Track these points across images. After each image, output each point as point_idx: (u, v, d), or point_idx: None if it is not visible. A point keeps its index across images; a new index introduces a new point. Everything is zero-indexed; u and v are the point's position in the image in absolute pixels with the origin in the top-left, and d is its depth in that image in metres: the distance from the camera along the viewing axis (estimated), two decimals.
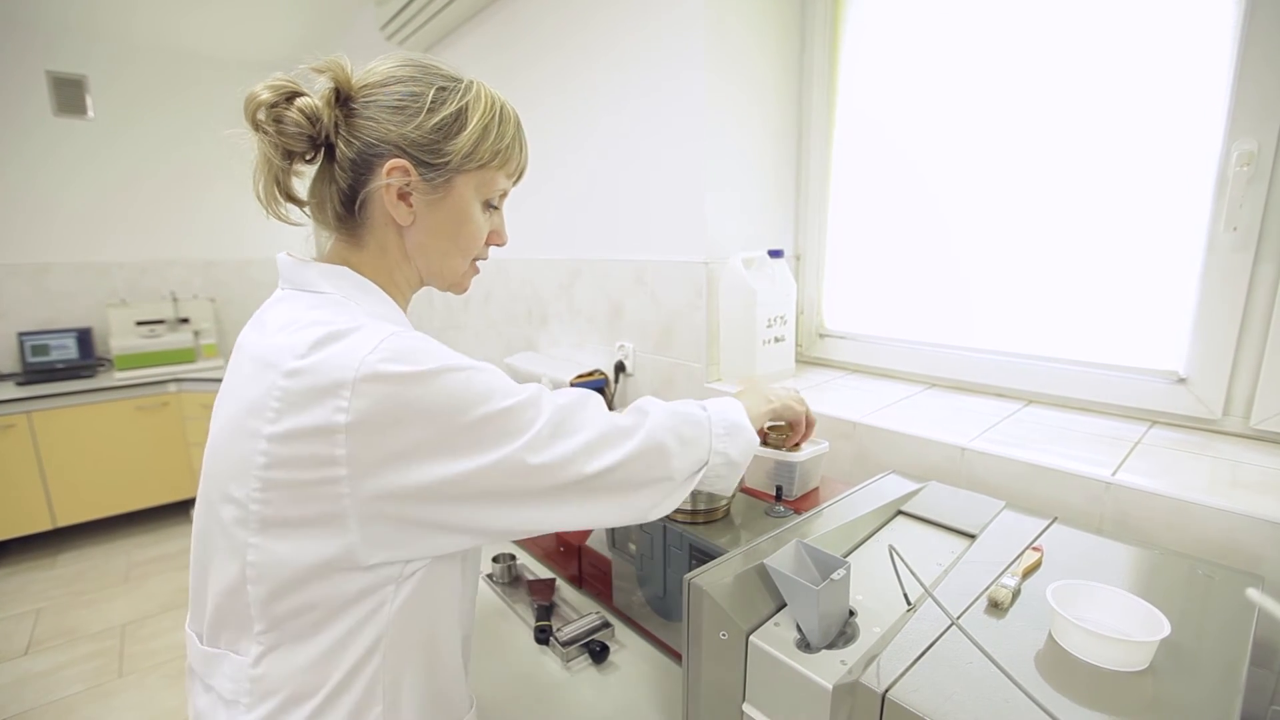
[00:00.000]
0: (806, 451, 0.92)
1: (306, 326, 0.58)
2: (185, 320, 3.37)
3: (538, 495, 0.60)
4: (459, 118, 0.65)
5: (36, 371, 3.03)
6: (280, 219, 0.67)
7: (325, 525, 0.55)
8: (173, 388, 3.10)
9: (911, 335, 1.35)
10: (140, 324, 3.23)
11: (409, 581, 0.61)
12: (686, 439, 0.69)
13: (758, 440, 0.76)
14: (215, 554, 0.61)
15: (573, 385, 1.56)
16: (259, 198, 0.64)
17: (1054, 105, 1.08)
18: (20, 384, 2.86)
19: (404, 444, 0.54)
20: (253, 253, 3.66)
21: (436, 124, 0.64)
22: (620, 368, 1.61)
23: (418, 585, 0.62)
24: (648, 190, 1.48)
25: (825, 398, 1.25)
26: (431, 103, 0.64)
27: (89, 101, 3.15)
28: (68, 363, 3.13)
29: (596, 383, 1.62)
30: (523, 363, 1.81)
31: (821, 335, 1.51)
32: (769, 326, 1.33)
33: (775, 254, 1.37)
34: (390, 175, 0.64)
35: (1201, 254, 0.95)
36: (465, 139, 0.65)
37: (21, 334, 3.06)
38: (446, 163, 0.65)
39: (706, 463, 0.70)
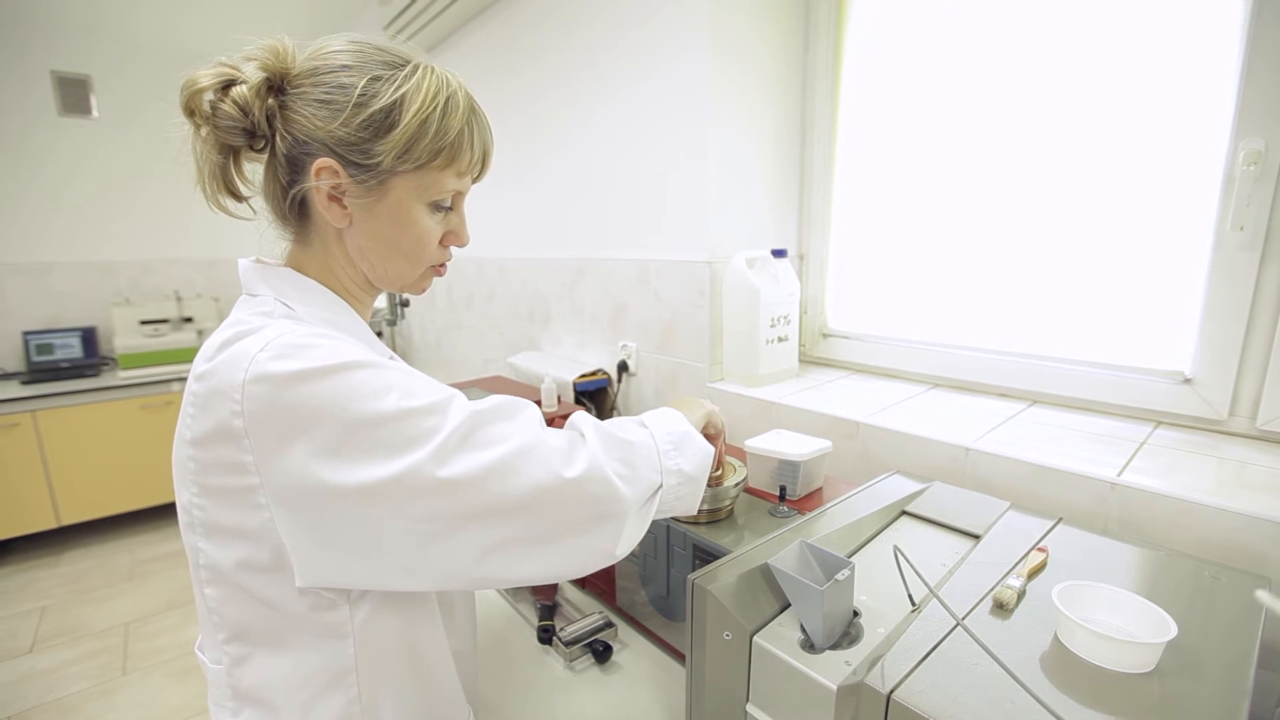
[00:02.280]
0: (810, 451, 0.92)
1: (224, 328, 0.56)
2: (189, 319, 3.38)
3: (451, 523, 0.52)
4: (390, 114, 0.58)
5: (41, 370, 3.04)
6: (225, 212, 0.62)
7: (258, 533, 0.53)
8: (176, 387, 3.11)
9: (915, 335, 1.35)
10: (144, 323, 3.24)
11: (366, 600, 0.58)
12: (631, 462, 0.60)
13: (711, 447, 0.69)
14: (190, 558, 0.60)
15: (575, 384, 1.57)
16: (204, 192, 0.61)
17: (1058, 104, 1.08)
18: (25, 383, 2.87)
19: (299, 447, 0.50)
20: (255, 252, 3.67)
21: (364, 120, 0.57)
22: (623, 367, 1.61)
23: (381, 602, 0.59)
24: (651, 189, 1.48)
25: (829, 397, 1.24)
26: (360, 96, 0.57)
27: (93, 101, 3.16)
28: (72, 362, 3.14)
29: (599, 382, 1.62)
30: (525, 362, 1.81)
31: (825, 335, 1.51)
32: (772, 326, 1.33)
33: (779, 253, 1.36)
34: (319, 176, 0.59)
35: (1208, 253, 0.94)
36: (397, 138, 0.58)
37: (26, 333, 3.07)
38: (378, 163, 0.59)
39: (660, 485, 0.63)
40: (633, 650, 0.97)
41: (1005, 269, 1.19)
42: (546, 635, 0.98)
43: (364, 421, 0.50)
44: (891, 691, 0.47)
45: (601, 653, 0.94)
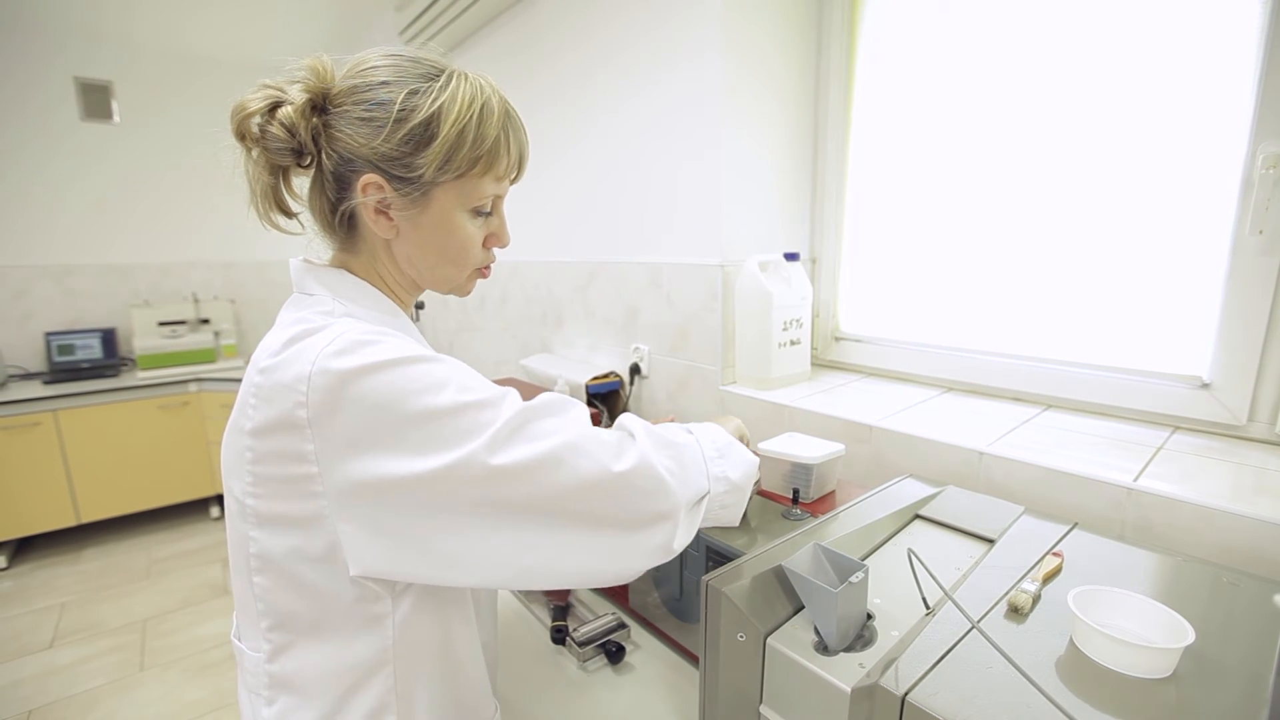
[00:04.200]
0: (823, 454, 0.92)
1: (287, 325, 0.58)
2: (206, 321, 3.42)
3: (502, 513, 0.54)
4: (429, 126, 0.59)
5: (62, 371, 3.10)
6: (277, 229, 0.65)
7: (311, 523, 0.55)
8: (194, 387, 3.15)
9: (928, 339, 1.34)
10: (162, 324, 3.29)
11: (407, 595, 0.60)
12: (681, 461, 0.62)
13: (755, 458, 0.70)
14: (234, 547, 0.62)
15: (588, 386, 1.57)
16: (257, 211, 0.63)
17: (1074, 107, 1.08)
18: (46, 383, 2.92)
19: (360, 438, 0.52)
20: (270, 254, 3.72)
21: (405, 136, 0.59)
22: (635, 370, 1.62)
23: (421, 597, 0.60)
24: (663, 192, 1.49)
25: (841, 401, 1.24)
26: (400, 111, 0.59)
27: (115, 106, 3.22)
28: (92, 362, 3.19)
29: (611, 385, 1.63)
30: (538, 365, 1.82)
31: (837, 338, 1.51)
32: (785, 330, 1.33)
33: (791, 257, 1.37)
34: (365, 192, 0.61)
35: (1226, 257, 0.94)
36: (437, 150, 0.60)
37: (48, 334, 3.13)
38: (420, 176, 0.60)
39: (707, 491, 0.64)
40: (646, 651, 0.98)
41: (1020, 272, 1.19)
42: (560, 636, 0.99)
43: (422, 414, 0.52)
44: (906, 694, 0.47)
45: (615, 653, 0.94)
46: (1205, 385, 0.98)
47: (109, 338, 3.24)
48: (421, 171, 0.60)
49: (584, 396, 1.58)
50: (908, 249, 1.36)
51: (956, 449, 0.99)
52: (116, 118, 3.23)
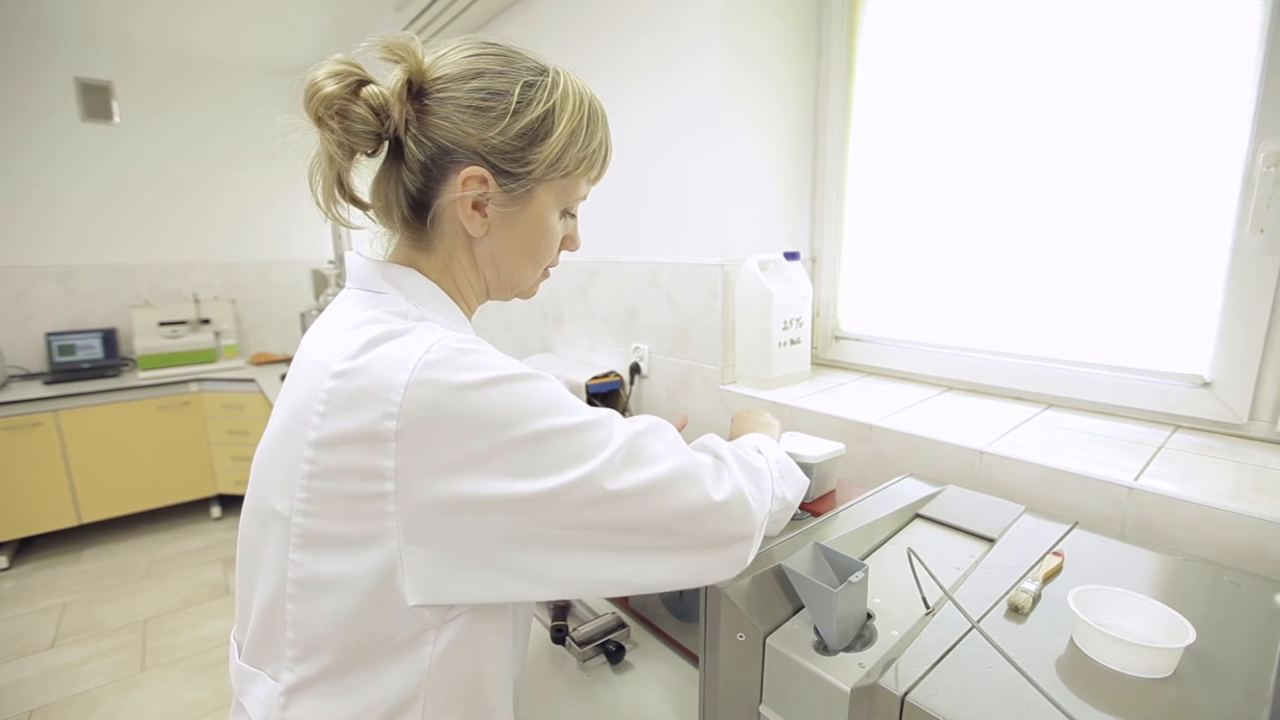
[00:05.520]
0: (823, 453, 0.92)
1: (361, 325, 0.54)
2: (206, 321, 3.43)
3: (603, 533, 0.52)
4: (545, 121, 0.58)
5: (63, 371, 3.10)
6: (338, 221, 0.60)
7: (369, 546, 0.50)
8: (194, 387, 3.15)
9: (929, 338, 1.34)
10: (163, 325, 3.30)
11: (452, 625, 0.55)
12: (760, 486, 0.63)
13: (806, 479, 0.73)
14: (260, 568, 0.57)
15: (588, 386, 1.57)
16: (317, 201, 0.58)
17: (1075, 105, 1.07)
18: (47, 383, 2.93)
19: (457, 457, 0.48)
20: (271, 255, 3.72)
21: (522, 129, 0.57)
22: (635, 369, 1.62)
23: (464, 630, 0.56)
24: (664, 192, 1.48)
25: (841, 400, 1.24)
26: (518, 103, 0.56)
27: (115, 107, 3.22)
28: (93, 362, 3.20)
29: (611, 384, 1.63)
30: (539, 364, 1.82)
31: (838, 338, 1.51)
32: (785, 329, 1.33)
33: (791, 256, 1.36)
34: (466, 186, 0.57)
35: (1227, 256, 0.94)
36: (552, 145, 0.58)
37: (49, 334, 3.13)
38: (529, 172, 0.58)
39: (770, 508, 0.65)
40: (646, 651, 0.98)
41: (1021, 271, 1.19)
42: (560, 635, 0.98)
43: (534, 435, 0.50)
44: (906, 694, 0.47)
45: (614, 653, 0.94)
46: (1206, 384, 0.98)
47: (110, 338, 3.25)
48: (532, 168, 0.58)
49: (584, 396, 1.58)
50: (908, 248, 1.36)
51: (957, 448, 0.99)
52: (117, 118, 3.23)
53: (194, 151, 3.44)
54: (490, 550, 0.51)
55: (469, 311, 0.66)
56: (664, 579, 0.56)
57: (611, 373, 1.64)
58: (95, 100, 3.17)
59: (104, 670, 2.11)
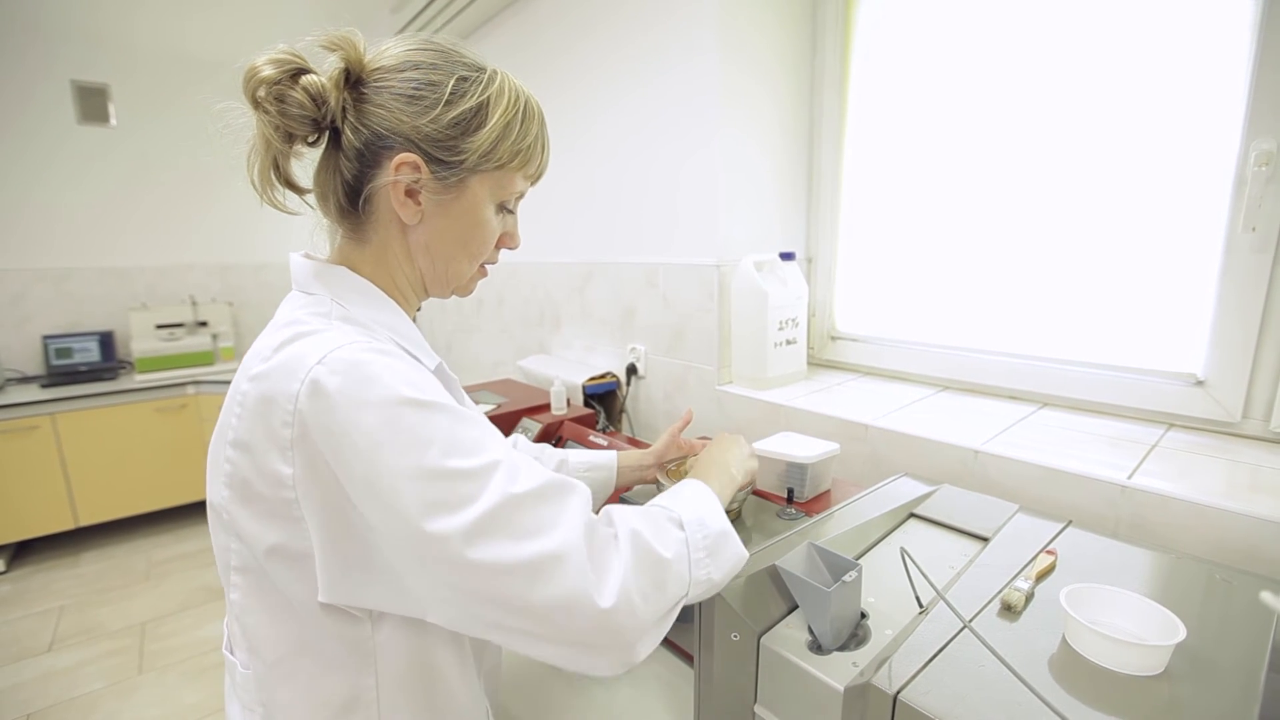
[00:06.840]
0: (818, 453, 0.92)
1: (281, 328, 0.55)
2: (203, 323, 3.42)
3: (471, 602, 0.49)
4: (479, 112, 0.59)
5: (60, 374, 3.09)
6: (276, 206, 0.61)
7: (287, 543, 0.52)
8: (191, 390, 3.15)
9: (924, 338, 1.34)
10: (160, 327, 3.29)
11: (388, 618, 0.57)
12: (661, 583, 0.54)
13: (745, 554, 0.61)
14: (217, 555, 0.60)
15: (585, 387, 1.57)
16: (253, 182, 0.59)
17: (1068, 105, 1.08)
18: (44, 386, 2.92)
19: (340, 473, 0.49)
20: (267, 257, 3.71)
21: (454, 118, 0.58)
22: (632, 370, 1.62)
23: (403, 623, 0.57)
24: (660, 193, 1.49)
25: (837, 400, 1.24)
26: (450, 94, 0.58)
27: (111, 110, 3.21)
28: (90, 365, 3.19)
29: (608, 385, 1.63)
30: (535, 366, 1.82)
31: (833, 338, 1.51)
32: (781, 329, 1.33)
33: (787, 256, 1.37)
34: (399, 171, 0.58)
35: (1220, 255, 0.94)
36: (485, 137, 0.60)
37: (46, 337, 3.12)
38: (462, 161, 0.60)
39: (685, 595, 0.56)
40: None
41: (1015, 271, 1.19)
42: None
43: (401, 470, 0.48)
44: (898, 692, 0.47)
45: None
46: (1200, 383, 0.98)
47: (107, 341, 3.24)
48: (465, 157, 0.60)
49: (581, 397, 1.58)
50: (903, 248, 1.36)
51: (952, 447, 0.99)
52: (113, 121, 3.23)
53: (190, 154, 3.44)
54: (378, 569, 0.51)
55: (407, 307, 0.67)
56: (544, 658, 0.51)
57: (608, 373, 1.64)
58: (92, 103, 3.16)
59: (102, 673, 2.10)
